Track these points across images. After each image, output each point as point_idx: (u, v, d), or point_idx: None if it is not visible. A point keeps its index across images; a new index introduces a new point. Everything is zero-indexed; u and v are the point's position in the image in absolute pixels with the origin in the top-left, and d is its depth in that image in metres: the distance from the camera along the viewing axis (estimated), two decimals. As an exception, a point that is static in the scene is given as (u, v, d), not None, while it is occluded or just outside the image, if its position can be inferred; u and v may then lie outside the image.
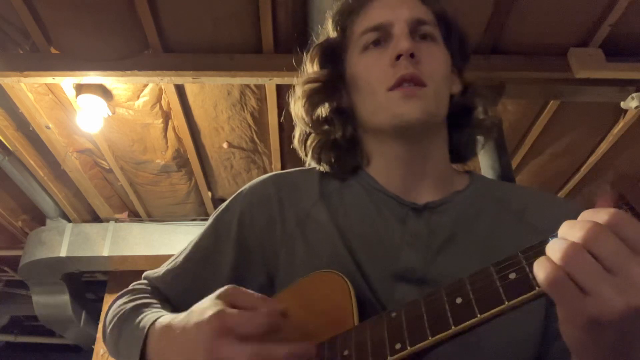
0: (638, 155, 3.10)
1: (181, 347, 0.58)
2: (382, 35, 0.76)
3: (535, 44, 2.40)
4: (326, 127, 0.81)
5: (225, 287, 0.60)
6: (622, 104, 2.50)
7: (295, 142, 0.87)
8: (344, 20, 0.83)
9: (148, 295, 0.81)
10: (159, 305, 0.77)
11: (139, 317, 0.71)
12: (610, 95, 2.48)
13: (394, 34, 0.75)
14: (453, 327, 0.49)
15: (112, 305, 0.81)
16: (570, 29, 2.36)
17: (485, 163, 2.40)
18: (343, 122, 0.81)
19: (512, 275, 0.47)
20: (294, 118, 0.85)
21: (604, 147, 3.02)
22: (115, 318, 0.77)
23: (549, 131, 2.92)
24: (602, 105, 2.69)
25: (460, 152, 0.84)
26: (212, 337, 0.54)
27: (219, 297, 0.59)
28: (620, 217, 0.42)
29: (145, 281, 0.87)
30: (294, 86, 0.86)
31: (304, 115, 0.81)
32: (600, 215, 0.43)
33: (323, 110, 0.81)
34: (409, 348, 0.51)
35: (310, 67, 0.85)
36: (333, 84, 0.81)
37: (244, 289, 0.60)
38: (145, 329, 0.66)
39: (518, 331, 0.65)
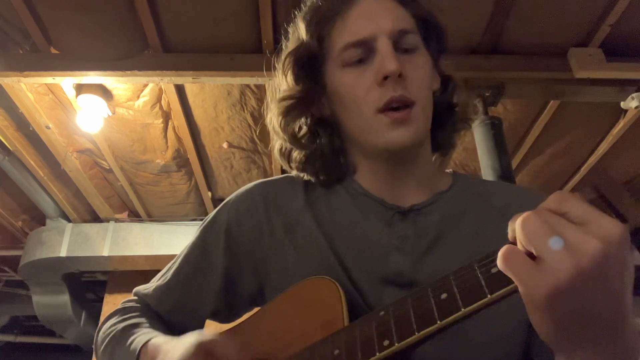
0: (638, 155, 3.11)
1: None
2: (364, 51, 0.72)
3: (535, 44, 2.41)
4: (308, 140, 0.79)
5: (206, 337, 0.62)
6: (622, 104, 2.50)
7: (276, 154, 0.84)
8: (320, 29, 0.77)
9: (138, 313, 0.81)
10: (148, 325, 0.77)
11: (131, 339, 0.72)
12: (610, 95, 2.48)
13: (378, 49, 0.71)
14: (439, 322, 0.50)
15: (103, 325, 0.82)
16: (570, 29, 2.36)
17: (485, 163, 2.40)
18: (328, 132, 0.79)
19: (494, 270, 0.48)
20: (271, 133, 0.82)
21: (604, 147, 3.02)
22: (107, 339, 0.78)
23: (549, 131, 2.92)
24: (602, 105, 2.69)
25: (442, 147, 0.84)
26: None
27: (197, 341, 0.60)
28: (561, 195, 0.45)
29: (136, 298, 0.87)
30: (267, 101, 0.83)
31: (282, 133, 0.79)
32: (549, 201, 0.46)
33: (304, 122, 0.79)
34: (396, 344, 0.53)
35: (284, 80, 0.80)
36: (310, 97, 0.78)
37: (222, 341, 0.62)
38: (137, 352, 0.69)
39: (503, 325, 0.66)
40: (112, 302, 3.70)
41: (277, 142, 0.83)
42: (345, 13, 0.75)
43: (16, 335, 5.39)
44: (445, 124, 0.81)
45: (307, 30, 0.78)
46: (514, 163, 3.09)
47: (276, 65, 0.83)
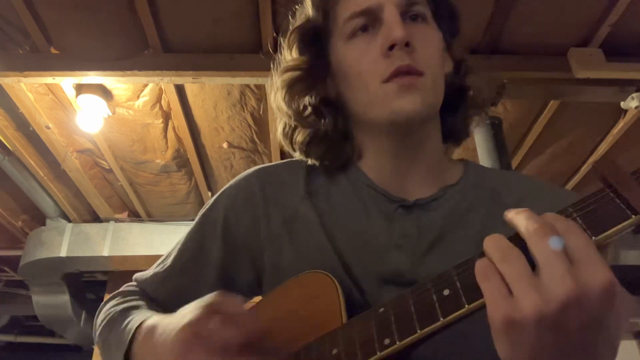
0: (638, 155, 3.11)
1: (157, 353, 0.58)
2: (370, 20, 0.70)
3: (535, 44, 2.40)
4: (313, 119, 0.76)
5: (212, 294, 0.59)
6: (622, 104, 2.50)
7: (279, 136, 0.81)
8: (326, 2, 0.75)
9: (137, 297, 0.80)
10: (146, 308, 0.76)
11: (127, 320, 0.70)
12: (610, 95, 2.48)
13: (384, 18, 0.69)
14: (442, 319, 0.48)
15: (102, 308, 0.81)
16: (570, 29, 2.36)
17: (485, 163, 2.40)
18: (333, 114, 0.76)
19: None
20: (274, 111, 0.80)
21: (604, 147, 3.02)
22: (105, 321, 0.77)
23: (549, 131, 2.92)
24: (602, 105, 2.69)
25: (454, 135, 0.80)
26: (182, 348, 0.54)
27: (202, 303, 0.58)
28: (571, 226, 0.43)
29: (134, 283, 0.86)
30: (272, 76, 0.80)
31: (286, 108, 0.76)
32: (555, 219, 0.45)
33: (308, 102, 0.75)
34: (398, 343, 0.50)
35: (289, 54, 0.78)
36: (316, 72, 0.75)
37: (230, 296, 0.59)
38: (131, 332, 0.67)
39: None
40: (112, 302, 3.69)
41: (281, 122, 0.80)
42: None
43: (16, 335, 5.40)
44: (457, 108, 0.77)
45: (312, 5, 0.77)
46: (514, 163, 3.09)
47: (282, 42, 0.80)
